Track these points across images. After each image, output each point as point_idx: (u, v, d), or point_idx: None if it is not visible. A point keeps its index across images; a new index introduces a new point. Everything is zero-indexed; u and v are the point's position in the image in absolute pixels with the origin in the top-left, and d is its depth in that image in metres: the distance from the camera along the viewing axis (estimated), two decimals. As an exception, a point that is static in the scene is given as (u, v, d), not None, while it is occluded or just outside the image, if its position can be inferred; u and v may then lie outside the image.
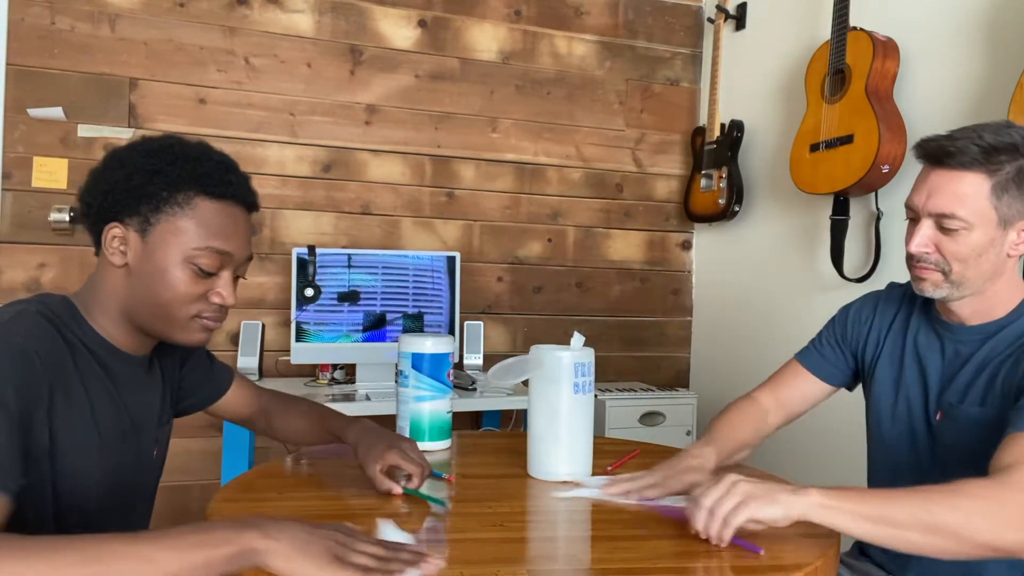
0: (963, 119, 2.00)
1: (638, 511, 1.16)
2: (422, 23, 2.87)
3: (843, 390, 1.50)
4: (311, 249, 2.42)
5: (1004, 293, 1.23)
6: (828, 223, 2.44)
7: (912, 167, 1.24)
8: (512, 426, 2.86)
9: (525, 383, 1.60)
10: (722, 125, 2.94)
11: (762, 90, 2.86)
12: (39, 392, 0.94)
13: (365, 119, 2.81)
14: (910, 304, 1.38)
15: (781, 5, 2.80)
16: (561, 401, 1.30)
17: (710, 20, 3.04)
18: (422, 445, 1.50)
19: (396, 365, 1.58)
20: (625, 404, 2.75)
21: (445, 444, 1.53)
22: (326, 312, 2.48)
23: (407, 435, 1.49)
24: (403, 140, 2.86)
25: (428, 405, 1.50)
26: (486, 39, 2.96)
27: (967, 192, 1.16)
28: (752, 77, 2.91)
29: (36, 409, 0.93)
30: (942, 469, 1.26)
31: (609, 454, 1.48)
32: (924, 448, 1.31)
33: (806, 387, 1.46)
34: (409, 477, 1.19)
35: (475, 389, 2.46)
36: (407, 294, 2.57)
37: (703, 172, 3.00)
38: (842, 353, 1.45)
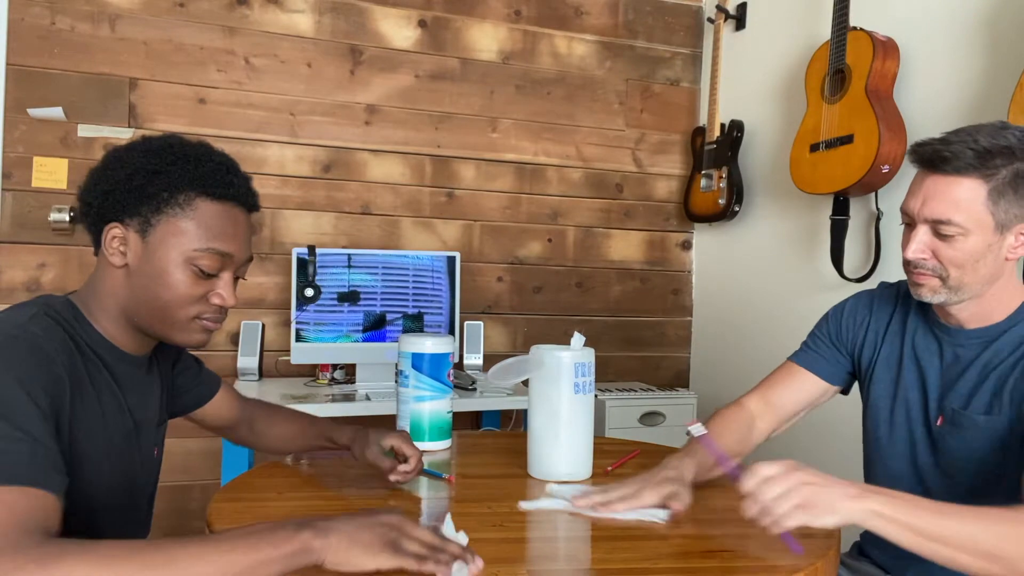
0: (963, 119, 2.00)
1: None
2: (422, 23, 2.88)
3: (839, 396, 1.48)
4: (311, 249, 2.42)
5: (1003, 296, 1.22)
6: (828, 223, 2.44)
7: (912, 167, 1.23)
8: (512, 426, 2.86)
9: (525, 383, 1.60)
10: (722, 125, 2.94)
11: (762, 90, 2.87)
12: (62, 394, 0.94)
13: (365, 119, 2.81)
14: (906, 304, 1.35)
15: (781, 5, 2.80)
16: (561, 401, 1.30)
17: (710, 20, 3.04)
18: (422, 445, 1.50)
19: (396, 365, 1.58)
20: (625, 404, 2.75)
21: (445, 444, 1.53)
22: (326, 312, 2.48)
23: (407, 435, 1.50)
24: (403, 140, 2.86)
25: (428, 405, 1.50)
26: (486, 39, 2.96)
27: (963, 198, 1.13)
28: (752, 77, 2.91)
29: (60, 411, 0.94)
30: (943, 475, 1.26)
31: (609, 454, 1.48)
32: (924, 453, 1.29)
33: (800, 386, 1.43)
34: (406, 459, 1.26)
35: (475, 389, 2.46)
36: (407, 294, 2.57)
37: (703, 172, 3.00)
38: (838, 352, 1.42)
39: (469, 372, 2.64)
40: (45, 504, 0.83)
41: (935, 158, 1.15)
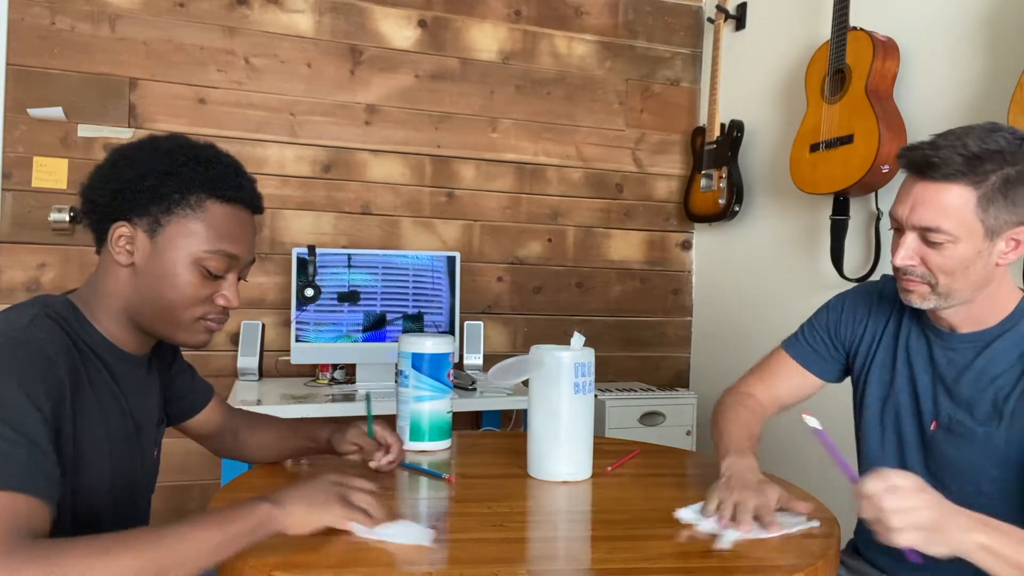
0: (963, 119, 2.00)
1: (646, 512, 1.16)
2: (422, 23, 2.88)
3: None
4: (311, 249, 2.42)
5: (995, 301, 1.20)
6: (828, 223, 2.44)
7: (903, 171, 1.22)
8: (512, 426, 2.86)
9: (525, 383, 1.60)
10: (722, 125, 2.94)
11: (762, 90, 2.87)
12: (64, 398, 0.94)
13: (365, 119, 2.81)
14: (902, 304, 1.33)
15: (781, 5, 2.80)
16: (561, 401, 1.30)
17: (710, 20, 3.04)
18: (422, 445, 1.51)
19: (396, 365, 1.58)
20: (625, 404, 2.75)
21: (445, 444, 1.53)
22: (326, 312, 2.48)
23: (407, 435, 1.50)
24: (403, 140, 2.86)
25: (428, 405, 1.50)
26: (486, 39, 2.96)
27: (952, 205, 1.10)
28: (752, 77, 2.91)
29: (62, 415, 0.94)
30: (932, 479, 1.25)
31: (609, 454, 1.48)
32: (914, 456, 1.28)
33: (798, 381, 1.44)
34: (388, 450, 1.32)
35: (475, 389, 2.46)
36: (407, 294, 2.57)
37: (703, 172, 3.00)
38: (834, 347, 1.42)
39: (469, 372, 2.64)
40: (37, 511, 0.84)
41: (923, 164, 1.12)
